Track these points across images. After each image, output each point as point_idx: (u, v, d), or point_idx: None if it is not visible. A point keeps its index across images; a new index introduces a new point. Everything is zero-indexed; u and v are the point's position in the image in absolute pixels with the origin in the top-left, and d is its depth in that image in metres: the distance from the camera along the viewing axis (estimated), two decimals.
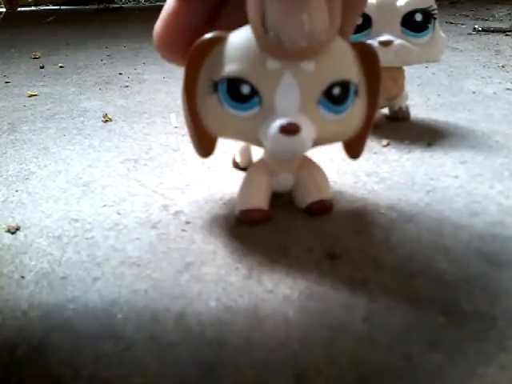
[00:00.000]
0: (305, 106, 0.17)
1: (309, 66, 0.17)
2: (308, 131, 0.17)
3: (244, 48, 0.17)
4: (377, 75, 0.19)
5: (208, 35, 0.17)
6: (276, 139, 0.17)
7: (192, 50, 0.18)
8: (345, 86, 0.18)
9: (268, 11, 0.15)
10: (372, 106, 0.19)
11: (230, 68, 0.17)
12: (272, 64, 0.17)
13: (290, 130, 0.17)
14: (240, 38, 0.17)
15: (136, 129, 0.38)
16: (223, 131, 0.19)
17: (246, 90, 0.17)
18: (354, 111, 0.19)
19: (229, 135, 0.20)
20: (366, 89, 0.19)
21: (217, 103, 0.18)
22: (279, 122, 0.17)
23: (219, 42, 0.18)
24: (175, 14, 0.18)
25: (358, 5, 0.18)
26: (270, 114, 0.17)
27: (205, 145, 0.20)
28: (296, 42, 0.16)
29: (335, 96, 0.17)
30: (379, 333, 0.16)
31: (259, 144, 0.19)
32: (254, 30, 0.16)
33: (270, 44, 0.16)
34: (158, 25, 0.19)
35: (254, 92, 0.17)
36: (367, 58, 0.18)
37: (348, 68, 0.18)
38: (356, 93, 0.18)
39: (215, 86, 0.18)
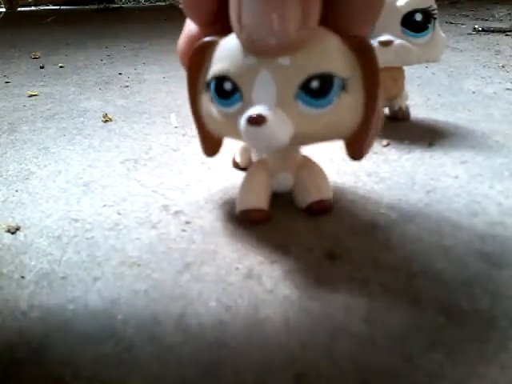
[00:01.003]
0: (281, 100, 0.17)
1: (284, 60, 0.17)
2: (278, 123, 0.17)
3: (229, 48, 0.18)
4: (373, 70, 0.18)
5: (205, 39, 0.19)
6: (245, 130, 0.17)
7: (192, 53, 0.19)
8: (325, 79, 0.17)
9: (243, 11, 0.16)
10: (370, 103, 0.18)
11: (216, 67, 0.18)
12: (249, 60, 0.17)
13: (254, 120, 0.17)
14: (228, 39, 0.18)
15: (136, 129, 0.38)
16: (216, 128, 0.20)
17: (228, 86, 0.18)
18: (342, 106, 0.18)
19: (221, 132, 0.20)
20: (363, 85, 0.18)
21: (208, 101, 0.19)
22: (247, 114, 0.17)
23: (213, 45, 0.19)
24: (195, 37, 0.19)
25: (376, 6, 0.18)
26: (248, 108, 0.18)
27: (209, 144, 0.21)
28: (265, 39, 0.16)
29: (314, 89, 0.17)
30: (379, 333, 0.16)
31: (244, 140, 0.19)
32: (234, 29, 0.17)
33: (244, 41, 0.17)
34: (180, 46, 0.20)
35: (236, 88, 0.18)
36: (362, 52, 0.18)
37: (331, 61, 0.17)
38: (344, 87, 0.18)
39: (208, 86, 0.19)
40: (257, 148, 0.21)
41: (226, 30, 0.18)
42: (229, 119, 0.19)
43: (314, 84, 0.17)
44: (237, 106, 0.18)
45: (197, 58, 0.19)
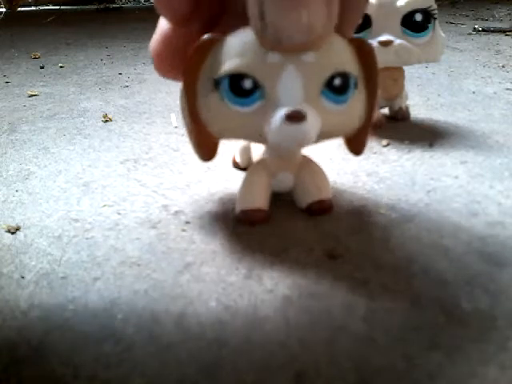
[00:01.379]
0: (308, 96, 0.17)
1: (309, 57, 0.17)
2: (313, 120, 0.17)
3: (244, 44, 0.17)
4: (373, 70, 0.19)
5: (206, 36, 0.18)
6: (281, 128, 0.17)
7: (192, 52, 0.18)
8: (345, 77, 0.18)
9: (266, 8, 0.15)
10: (371, 101, 0.19)
11: (231, 64, 0.17)
12: (272, 58, 0.17)
13: (295, 117, 0.17)
14: (239, 36, 0.18)
15: (136, 129, 0.38)
16: (225, 130, 0.19)
17: (248, 84, 0.17)
18: (355, 103, 0.19)
19: (231, 133, 0.19)
20: (365, 85, 0.19)
21: (218, 101, 0.18)
22: (284, 111, 0.17)
23: (217, 42, 0.18)
24: (169, 36, 0.19)
25: (359, 5, 0.18)
26: (273, 106, 0.17)
27: (206, 148, 0.20)
28: (294, 37, 0.16)
29: (337, 86, 0.18)
30: (379, 333, 0.16)
31: (261, 140, 0.19)
32: (254, 27, 0.16)
33: (269, 40, 0.16)
34: (154, 46, 0.19)
35: (257, 86, 0.17)
36: (363, 53, 0.18)
37: (347, 60, 0.18)
38: (356, 85, 0.18)
39: (215, 84, 0.18)
40: (286, 147, 0.20)
41: (204, 29, 0.18)
42: (246, 118, 0.18)
43: (337, 81, 0.17)
44: (257, 105, 0.18)
45: (198, 58, 0.18)
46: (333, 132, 0.19)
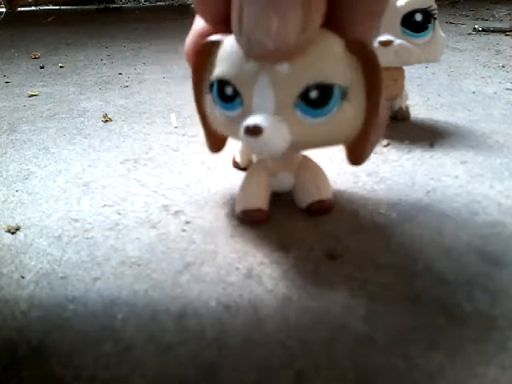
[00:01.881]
0: (280, 108, 0.17)
1: (283, 67, 0.17)
2: (275, 133, 0.17)
3: (230, 51, 0.18)
4: (375, 75, 0.18)
5: (211, 38, 0.18)
6: (244, 139, 0.17)
7: (196, 52, 0.19)
8: (325, 88, 0.17)
9: (243, 14, 0.16)
10: (372, 109, 0.18)
11: (218, 70, 0.18)
12: (248, 66, 0.17)
13: (251, 131, 0.17)
14: (230, 40, 0.18)
15: (136, 129, 0.38)
16: (220, 129, 0.20)
17: (229, 91, 0.18)
18: (342, 115, 0.18)
19: (225, 133, 0.20)
20: (365, 91, 0.18)
21: (212, 102, 0.19)
22: (245, 123, 0.17)
23: (219, 45, 0.18)
24: (205, 35, 0.19)
25: (378, 9, 0.17)
26: (248, 114, 0.18)
27: (214, 141, 0.21)
28: (265, 45, 0.16)
29: (312, 99, 0.17)
30: (379, 333, 0.16)
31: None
32: (234, 32, 0.17)
33: (243, 45, 0.17)
34: (189, 42, 0.20)
35: (236, 93, 0.18)
36: (364, 57, 0.17)
37: (332, 71, 0.17)
38: (344, 96, 0.17)
39: (210, 88, 0.19)
40: (257, 154, 0.22)
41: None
42: (231, 122, 0.19)
43: (313, 94, 0.17)
44: (238, 111, 0.18)
45: (202, 57, 0.19)
46: (316, 142, 0.19)
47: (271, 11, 0.15)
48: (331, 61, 0.17)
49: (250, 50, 0.16)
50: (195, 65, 0.19)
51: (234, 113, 0.18)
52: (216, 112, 0.19)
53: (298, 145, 0.18)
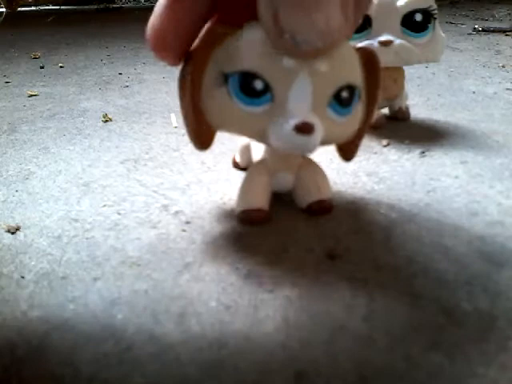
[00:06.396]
0: (316, 106, 0.17)
1: (323, 66, 0.17)
2: (320, 132, 0.17)
3: (259, 44, 0.17)
4: (377, 81, 0.19)
5: (220, 28, 0.17)
6: (290, 137, 0.17)
7: (202, 42, 0.18)
8: (352, 89, 0.18)
9: (281, 13, 0.15)
10: (369, 110, 0.19)
11: (244, 62, 0.17)
12: (287, 62, 0.17)
13: (305, 129, 0.17)
14: (255, 33, 0.17)
15: (136, 129, 0.38)
16: (228, 125, 0.19)
17: (259, 85, 0.17)
18: (357, 115, 0.19)
19: (233, 129, 0.19)
20: (366, 94, 0.19)
21: (225, 96, 0.18)
22: (294, 121, 0.17)
23: (231, 35, 0.17)
24: (168, 13, 0.17)
25: (361, 6, 0.18)
26: (281, 111, 0.17)
27: (203, 138, 0.20)
28: (312, 42, 0.16)
29: (343, 99, 0.18)
30: (379, 333, 0.16)
31: (263, 140, 0.19)
32: (268, 32, 0.16)
33: (285, 45, 0.16)
34: (152, 24, 0.18)
35: (268, 88, 0.17)
36: (369, 63, 0.18)
37: (355, 72, 0.18)
38: (359, 97, 0.19)
39: (225, 79, 0.18)
40: (289, 151, 0.20)
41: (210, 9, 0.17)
42: (251, 118, 0.18)
43: (344, 94, 0.18)
44: (265, 107, 0.17)
45: (209, 49, 0.18)
46: (330, 141, 0.19)
47: (314, 7, 0.15)
48: (354, 62, 0.18)
49: (296, 48, 0.16)
50: (200, 57, 0.18)
51: (260, 108, 0.17)
52: (229, 106, 0.18)
53: (322, 143, 0.18)
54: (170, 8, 0.17)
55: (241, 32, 0.17)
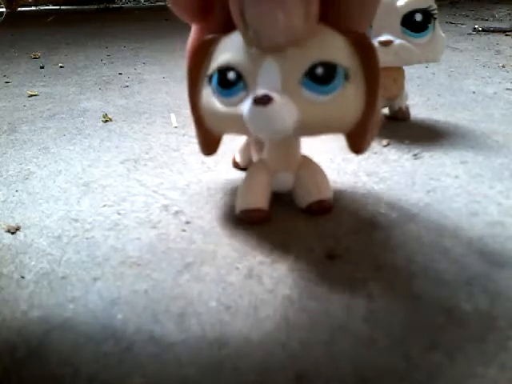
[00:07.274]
0: (286, 86, 0.17)
1: (289, 50, 0.17)
2: (284, 105, 0.17)
3: (232, 42, 0.18)
4: (373, 64, 0.18)
5: (206, 37, 0.19)
6: (250, 111, 0.17)
7: (193, 51, 0.19)
8: (329, 67, 0.18)
9: (246, 9, 0.16)
10: (371, 96, 0.19)
11: (219, 59, 0.19)
12: (253, 51, 0.18)
13: (261, 100, 0.17)
14: (231, 35, 0.18)
15: (136, 129, 0.38)
16: (217, 122, 0.20)
17: (231, 75, 0.18)
18: (345, 95, 0.18)
19: (223, 126, 0.20)
20: (364, 79, 0.19)
21: (210, 94, 0.19)
22: (253, 95, 0.17)
23: (215, 42, 0.19)
24: (198, 38, 0.19)
25: (370, 6, 0.18)
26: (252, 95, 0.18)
27: (208, 143, 0.21)
28: (274, 38, 0.16)
29: (318, 76, 0.18)
30: (379, 333, 0.16)
31: (247, 131, 0.19)
32: (237, 26, 0.17)
33: (251, 39, 0.17)
34: (187, 48, 0.20)
35: (239, 77, 0.18)
36: (361, 46, 0.18)
37: (334, 51, 0.18)
38: (347, 77, 0.18)
39: (209, 80, 0.19)
40: (260, 133, 0.20)
41: (223, 25, 0.19)
42: (231, 109, 0.19)
43: (319, 70, 0.18)
44: (240, 95, 0.18)
45: (198, 56, 0.19)
46: (322, 125, 0.19)
47: (275, 6, 0.16)
48: (332, 44, 0.18)
49: (259, 43, 0.17)
50: (191, 64, 0.20)
51: (236, 98, 0.18)
52: (214, 103, 0.19)
53: (303, 126, 0.18)
54: None
55: (221, 38, 0.19)
